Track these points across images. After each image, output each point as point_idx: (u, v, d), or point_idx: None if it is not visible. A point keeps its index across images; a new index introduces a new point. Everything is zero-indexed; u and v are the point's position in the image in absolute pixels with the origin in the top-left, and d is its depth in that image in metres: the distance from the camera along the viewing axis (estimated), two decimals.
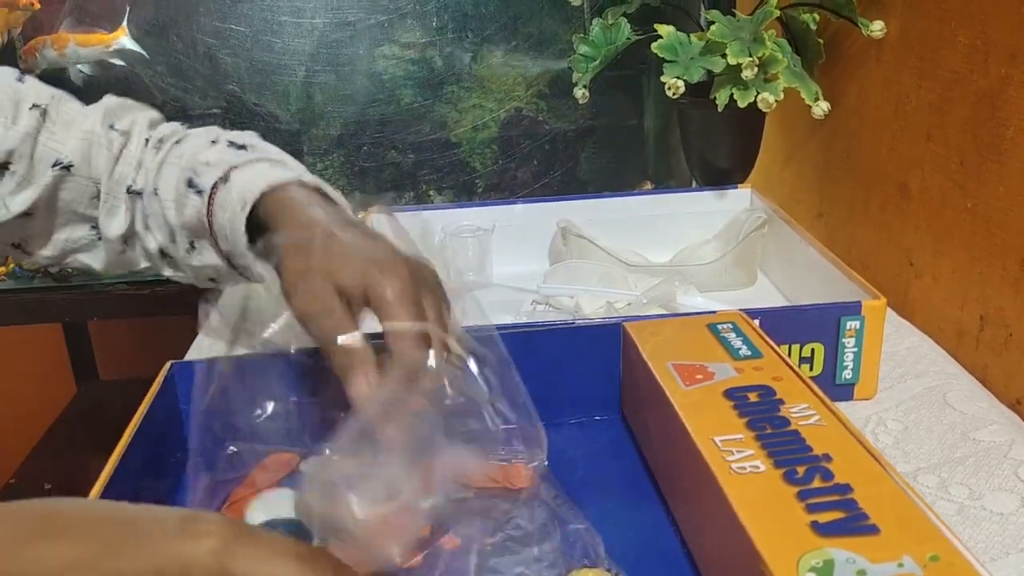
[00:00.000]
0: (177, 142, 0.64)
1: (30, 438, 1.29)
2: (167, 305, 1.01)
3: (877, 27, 0.76)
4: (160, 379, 0.53)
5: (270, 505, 0.51)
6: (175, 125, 0.67)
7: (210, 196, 0.59)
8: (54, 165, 0.62)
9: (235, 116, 1.12)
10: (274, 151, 0.62)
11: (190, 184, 0.60)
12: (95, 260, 0.67)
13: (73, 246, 0.66)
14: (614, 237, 0.84)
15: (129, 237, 0.66)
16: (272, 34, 1.09)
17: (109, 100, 0.66)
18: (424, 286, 0.49)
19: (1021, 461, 0.54)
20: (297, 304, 0.49)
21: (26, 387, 1.54)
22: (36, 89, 0.63)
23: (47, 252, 0.66)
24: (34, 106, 0.61)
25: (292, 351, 0.54)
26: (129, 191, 0.64)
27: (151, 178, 0.63)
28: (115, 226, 0.64)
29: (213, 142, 0.63)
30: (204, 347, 0.74)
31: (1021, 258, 0.62)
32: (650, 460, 0.55)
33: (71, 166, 0.62)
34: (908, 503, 0.38)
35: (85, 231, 0.65)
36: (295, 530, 0.44)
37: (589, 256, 0.81)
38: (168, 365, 0.55)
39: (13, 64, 0.90)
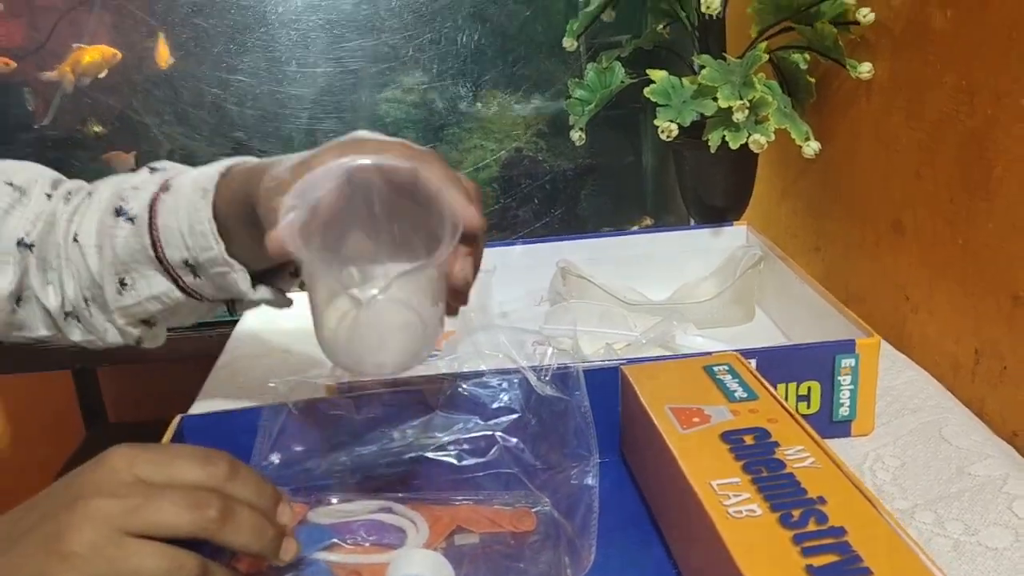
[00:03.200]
0: (89, 194, 0.63)
1: (41, 483, 1.29)
2: (176, 350, 1.03)
3: (865, 69, 0.78)
4: (170, 432, 0.55)
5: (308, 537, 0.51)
6: (80, 181, 0.65)
7: (151, 211, 0.56)
8: None
9: (232, 150, 1.15)
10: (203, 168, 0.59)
11: (118, 212, 0.58)
12: None
13: None
14: (613, 275, 0.86)
15: (19, 295, 0.62)
16: (276, 83, 1.12)
17: (3, 162, 0.64)
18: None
19: (1016, 496, 0.55)
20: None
21: (36, 432, 1.55)
22: None
23: None
24: None
25: (290, 404, 0.55)
26: (20, 244, 0.61)
27: (62, 227, 0.61)
28: (1, 283, 0.61)
29: (123, 181, 0.61)
30: (210, 398, 0.76)
31: (1013, 293, 0.63)
32: (650, 502, 0.56)
33: None
34: (901, 545, 0.39)
35: None
36: None
37: (589, 296, 0.82)
38: (178, 419, 0.56)
39: None
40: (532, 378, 0.56)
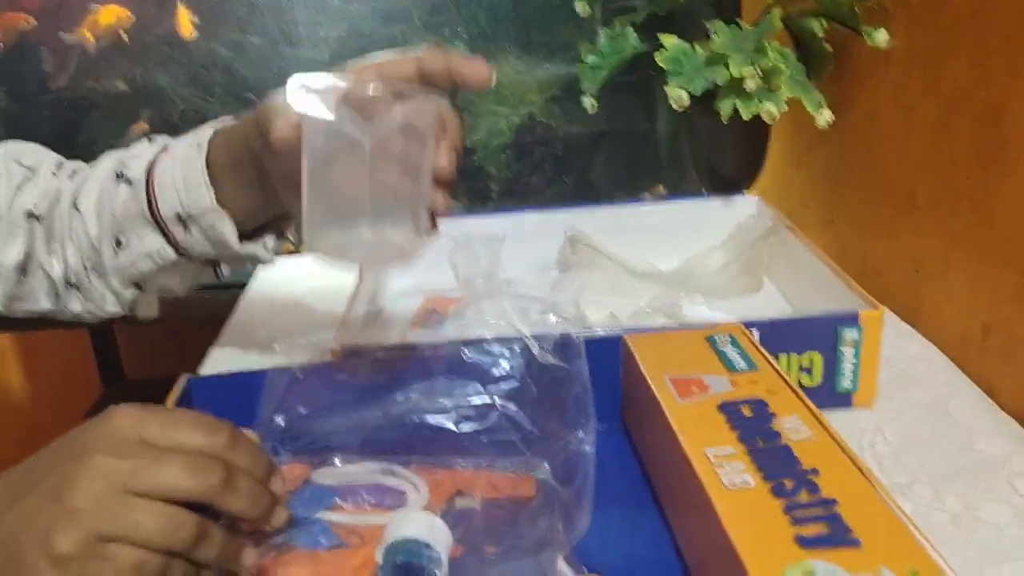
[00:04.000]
0: (93, 164, 0.67)
1: (57, 437, 1.32)
2: (191, 310, 1.04)
3: (881, 36, 0.77)
4: (176, 392, 0.55)
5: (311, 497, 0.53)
6: (81, 163, 0.69)
7: (148, 172, 0.61)
8: None
9: None
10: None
11: (119, 177, 0.62)
12: None
13: None
14: (622, 244, 0.85)
15: (26, 265, 0.66)
16: (288, 44, 1.12)
17: (10, 143, 0.69)
18: None
19: (1018, 472, 0.55)
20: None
21: (52, 389, 1.58)
22: None
23: None
24: None
25: (296, 367, 0.56)
26: (28, 215, 0.66)
27: (67, 199, 0.65)
28: (11, 254, 0.65)
29: (124, 152, 0.66)
30: (220, 357, 0.77)
31: (1023, 270, 0.62)
32: (648, 470, 0.56)
33: None
34: (892, 518, 0.39)
35: None
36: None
37: (597, 265, 0.82)
38: (184, 379, 0.57)
39: None
40: (534, 346, 0.57)
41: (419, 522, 0.46)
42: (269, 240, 0.64)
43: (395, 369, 0.58)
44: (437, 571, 0.44)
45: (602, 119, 1.17)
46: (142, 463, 0.39)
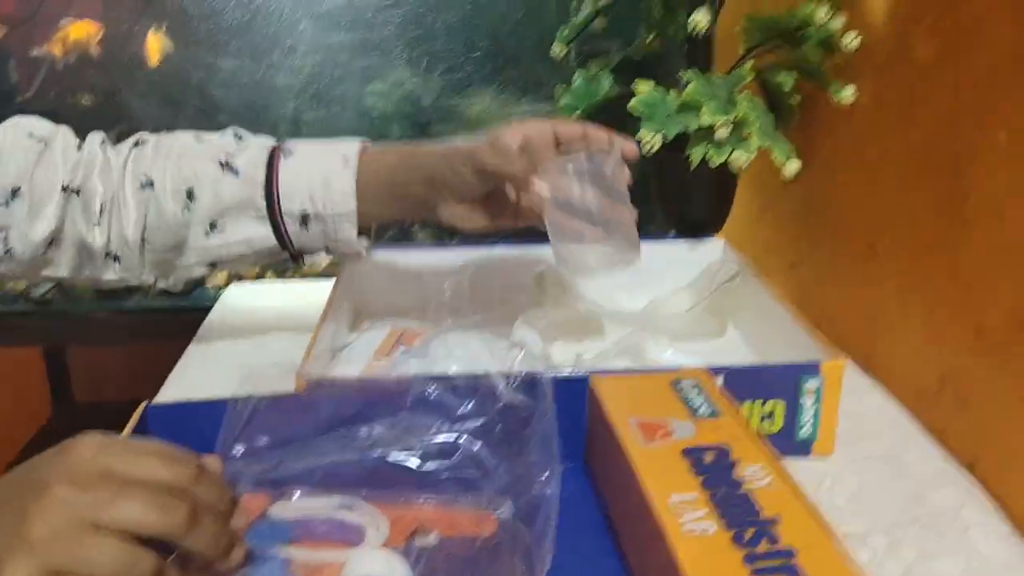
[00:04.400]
0: (136, 143, 0.71)
1: (4, 458, 1.28)
2: (145, 333, 1.02)
3: (848, 93, 0.79)
4: (134, 419, 0.54)
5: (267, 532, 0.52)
6: (102, 134, 0.72)
7: (269, 168, 0.68)
8: None
9: None
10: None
11: (224, 166, 0.69)
12: (8, 269, 0.70)
13: None
14: (590, 284, 0.86)
15: (55, 240, 0.69)
16: (262, 70, 1.12)
17: (19, 117, 0.70)
18: None
19: (970, 524, 0.56)
20: (490, 157, 0.68)
21: (2, 407, 1.54)
22: None
23: None
24: None
25: (257, 397, 0.55)
26: (65, 189, 0.68)
27: (119, 175, 0.69)
28: (39, 228, 0.67)
29: (197, 135, 0.71)
30: (178, 384, 0.76)
31: (979, 324, 0.64)
32: (611, 512, 0.56)
33: None
34: (848, 569, 0.40)
35: None
36: None
37: (564, 302, 0.82)
38: (142, 406, 0.56)
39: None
40: (500, 384, 0.57)
41: (378, 560, 0.45)
42: (364, 238, 0.73)
43: (359, 403, 0.58)
44: None
45: None
46: (105, 496, 0.38)
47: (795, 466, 0.62)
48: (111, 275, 0.72)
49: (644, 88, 0.82)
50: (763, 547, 0.41)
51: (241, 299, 0.90)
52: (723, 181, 0.91)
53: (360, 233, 0.72)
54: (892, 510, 0.58)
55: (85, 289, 1.10)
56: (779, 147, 0.80)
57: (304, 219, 0.69)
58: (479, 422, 0.56)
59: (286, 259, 0.74)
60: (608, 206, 0.71)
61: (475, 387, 0.57)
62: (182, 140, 0.71)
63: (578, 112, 0.89)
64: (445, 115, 1.17)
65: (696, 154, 0.80)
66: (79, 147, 0.70)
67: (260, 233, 0.70)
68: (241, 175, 0.69)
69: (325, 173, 0.69)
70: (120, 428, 0.54)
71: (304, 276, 1.07)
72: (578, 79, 0.89)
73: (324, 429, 0.57)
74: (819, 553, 0.41)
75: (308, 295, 0.93)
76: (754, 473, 0.48)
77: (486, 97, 1.16)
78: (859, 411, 0.70)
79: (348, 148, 0.70)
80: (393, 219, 0.76)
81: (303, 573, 0.48)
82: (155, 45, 1.12)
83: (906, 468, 0.62)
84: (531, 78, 1.16)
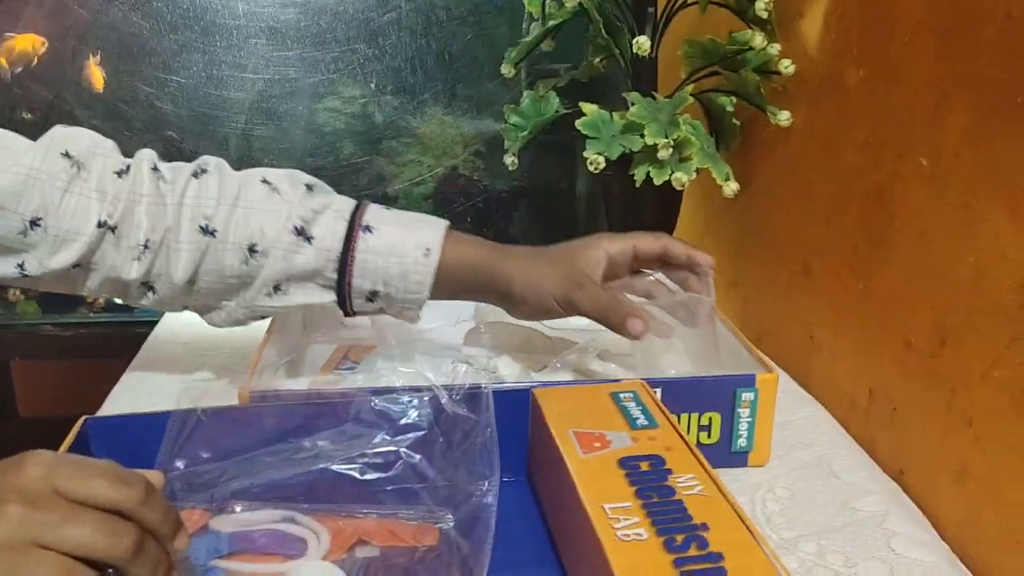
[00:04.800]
0: (195, 174, 0.67)
1: None
2: (90, 348, 1.01)
3: (784, 117, 0.82)
4: (73, 433, 0.54)
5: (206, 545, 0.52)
6: (152, 153, 0.68)
7: (347, 244, 0.66)
8: None
9: (172, 161, 1.13)
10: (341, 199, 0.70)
11: (299, 233, 0.66)
12: (26, 285, 0.67)
13: (2, 280, 0.66)
14: None
15: (82, 266, 0.65)
16: (212, 85, 1.12)
17: (57, 130, 0.66)
18: None
19: (894, 532, 0.58)
20: (585, 303, 0.68)
21: None
22: None
23: None
24: None
25: (200, 410, 0.56)
26: (100, 225, 0.64)
27: (174, 213, 0.65)
28: (62, 259, 0.64)
29: (266, 181, 0.68)
30: (122, 398, 0.75)
31: (905, 339, 0.67)
32: (551, 524, 0.57)
33: None
34: (773, 572, 0.41)
35: (10, 267, 0.64)
36: None
37: (509, 318, 0.83)
38: (81, 420, 0.56)
39: None
40: (442, 396, 0.58)
41: (317, 571, 0.46)
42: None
43: (303, 416, 0.58)
44: None
45: (523, 176, 1.21)
46: (55, 517, 0.38)
47: (731, 475, 0.64)
48: (144, 302, 0.69)
49: (589, 109, 0.84)
50: (693, 551, 0.43)
51: (187, 314, 0.90)
52: (667, 200, 0.93)
53: None
54: (821, 518, 0.60)
55: (28, 305, 1.08)
56: (718, 169, 0.83)
57: (373, 296, 0.68)
58: (421, 434, 0.57)
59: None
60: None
61: (418, 399, 0.58)
62: (253, 190, 0.67)
63: (526, 132, 0.91)
64: (397, 132, 1.18)
65: (640, 173, 0.82)
66: (123, 172, 0.66)
67: (323, 300, 0.68)
68: (315, 244, 0.66)
69: (404, 262, 0.67)
70: (62, 443, 0.54)
71: None
72: (526, 99, 0.91)
73: (267, 442, 0.57)
74: (746, 558, 0.42)
75: None
76: (687, 482, 0.49)
77: (438, 114, 1.18)
78: (794, 422, 0.73)
79: (432, 236, 0.67)
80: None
81: None
82: (97, 74, 1.11)
83: (836, 477, 0.65)
84: (482, 97, 1.18)
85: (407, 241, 0.67)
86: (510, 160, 0.92)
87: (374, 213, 0.68)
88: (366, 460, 0.56)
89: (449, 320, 0.89)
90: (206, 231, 0.65)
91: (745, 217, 0.96)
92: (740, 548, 0.43)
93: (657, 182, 0.81)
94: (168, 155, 1.06)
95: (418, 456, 0.55)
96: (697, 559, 0.42)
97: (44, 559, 0.38)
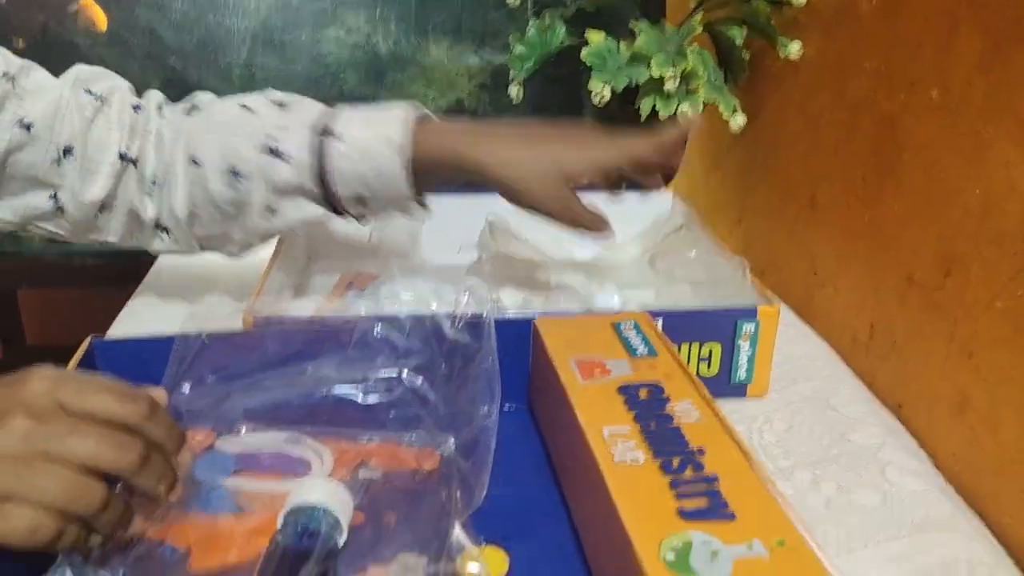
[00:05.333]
0: (189, 110, 0.68)
1: None
2: (97, 276, 1.01)
3: (794, 48, 0.80)
4: (80, 354, 0.55)
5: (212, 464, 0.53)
6: (158, 93, 0.70)
7: (320, 156, 0.65)
8: (15, 125, 0.62)
9: (174, 91, 1.12)
10: (315, 103, 0.69)
11: (273, 152, 0.65)
12: (60, 228, 0.69)
13: (33, 213, 0.67)
14: (541, 232, 0.87)
15: (107, 205, 0.67)
16: (216, 12, 1.10)
17: (80, 68, 0.67)
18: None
19: (889, 461, 0.59)
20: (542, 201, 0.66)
21: None
22: (5, 57, 0.63)
23: (6, 216, 0.66)
24: (4, 75, 0.62)
25: (204, 334, 0.56)
26: (123, 158, 0.66)
27: (169, 147, 0.67)
28: (92, 192, 0.66)
29: (243, 106, 0.67)
30: (128, 323, 0.76)
31: (908, 273, 0.67)
32: (550, 449, 0.58)
33: (31, 126, 0.63)
34: (766, 495, 0.42)
35: (44, 200, 0.66)
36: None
37: (514, 250, 0.84)
38: (88, 340, 0.56)
39: None
40: (445, 324, 0.58)
41: (321, 489, 0.47)
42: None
43: (306, 341, 0.58)
44: (337, 537, 0.45)
45: (528, 109, 1.19)
46: (61, 430, 0.39)
47: (730, 406, 0.65)
48: (160, 245, 0.71)
49: (595, 39, 0.82)
50: (688, 474, 0.43)
51: None
52: None
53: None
54: (817, 448, 0.60)
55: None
56: (725, 101, 0.82)
57: (361, 200, 0.67)
58: (423, 360, 0.57)
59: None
60: None
61: (421, 326, 0.58)
62: (230, 115, 0.68)
63: (531, 63, 0.89)
64: (402, 64, 1.16)
65: (645, 105, 0.81)
66: (137, 108, 0.68)
67: (318, 212, 0.68)
68: (288, 160, 0.65)
69: (377, 164, 0.65)
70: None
71: None
72: (532, 29, 0.89)
73: (271, 367, 0.57)
74: (741, 480, 0.43)
75: None
76: (685, 409, 0.50)
77: (442, 45, 1.16)
78: (794, 355, 0.73)
79: (399, 130, 0.65)
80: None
81: (247, 502, 0.50)
82: (98, 9, 1.09)
83: (834, 410, 0.65)
84: (487, 27, 1.16)
85: (375, 141, 0.65)
86: (515, 91, 0.91)
87: (341, 117, 0.67)
88: (368, 385, 0.57)
89: (453, 249, 0.89)
90: (194, 162, 0.66)
91: (752, 151, 0.95)
92: (734, 471, 0.44)
93: (663, 115, 0.80)
94: (170, 84, 1.05)
95: (420, 380, 0.56)
96: (693, 481, 0.43)
97: (50, 471, 0.38)
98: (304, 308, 0.74)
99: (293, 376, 0.57)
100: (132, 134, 0.67)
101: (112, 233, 0.69)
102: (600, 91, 0.81)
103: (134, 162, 0.66)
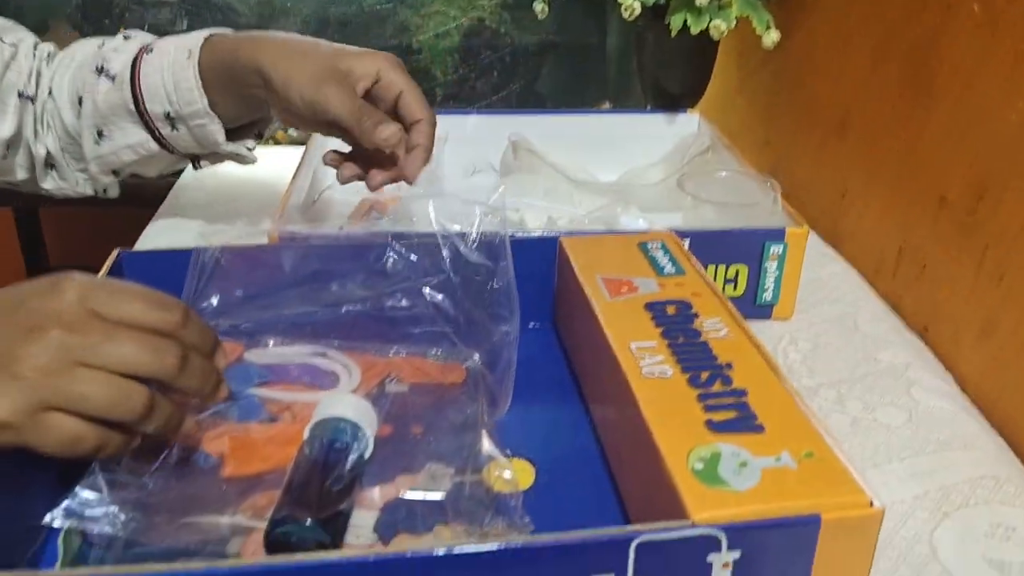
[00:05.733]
0: (64, 55, 0.71)
1: None
2: (121, 195, 1.01)
3: None
4: (107, 267, 0.55)
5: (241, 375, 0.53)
6: (52, 45, 0.73)
7: (133, 69, 0.66)
8: None
9: (191, 6, 1.10)
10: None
11: (100, 71, 0.66)
12: None
13: None
14: (564, 154, 0.86)
15: (13, 143, 0.70)
16: None
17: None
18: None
19: (915, 381, 0.59)
20: (337, 103, 0.60)
21: None
22: None
23: None
24: None
25: (226, 248, 0.56)
26: (20, 96, 0.69)
27: (44, 85, 0.70)
28: (3, 128, 0.68)
29: (100, 45, 0.70)
30: (151, 242, 0.76)
31: (939, 196, 0.65)
32: (576, 367, 0.59)
33: None
34: (794, 408, 0.42)
35: None
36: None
37: (537, 171, 0.83)
38: (115, 253, 0.56)
39: None
40: (465, 243, 0.57)
41: (348, 403, 0.47)
42: (250, 141, 0.71)
43: (330, 257, 0.58)
44: (363, 450, 0.46)
45: (552, 29, 1.17)
46: (95, 338, 0.39)
47: (755, 327, 0.64)
48: (50, 184, 0.73)
49: None
50: (717, 387, 0.43)
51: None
52: (702, 54, 0.90)
53: (241, 130, 0.70)
54: (842, 368, 0.60)
55: None
56: (759, 16, 0.79)
57: (170, 120, 0.66)
58: (443, 279, 0.57)
59: (186, 162, 0.73)
60: None
61: (440, 246, 0.58)
62: (85, 48, 0.70)
63: None
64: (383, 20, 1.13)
65: (676, 21, 0.78)
66: (35, 48, 0.71)
67: (141, 137, 0.68)
68: (116, 80, 0.66)
69: (175, 72, 0.64)
70: None
71: (277, 143, 1.06)
72: None
73: (294, 283, 0.58)
74: (770, 394, 0.43)
75: (281, 162, 0.92)
76: (713, 325, 0.49)
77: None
78: (820, 279, 0.72)
79: (195, 38, 0.65)
80: (253, 119, 0.70)
81: (277, 411, 0.50)
82: None
83: (860, 331, 0.65)
84: None
85: (177, 54, 0.65)
86: (540, 7, 0.89)
87: (167, 38, 0.67)
88: (392, 301, 0.57)
89: (478, 172, 0.88)
90: (51, 95, 0.69)
91: (782, 72, 0.93)
92: (763, 385, 0.44)
93: (694, 31, 0.78)
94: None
95: (440, 296, 0.56)
96: (721, 394, 0.43)
97: (92, 377, 0.38)
98: (327, 227, 0.74)
99: (318, 292, 0.57)
100: (30, 76, 0.69)
101: (18, 172, 0.72)
102: (630, 5, 0.79)
103: (31, 99, 0.69)
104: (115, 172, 0.71)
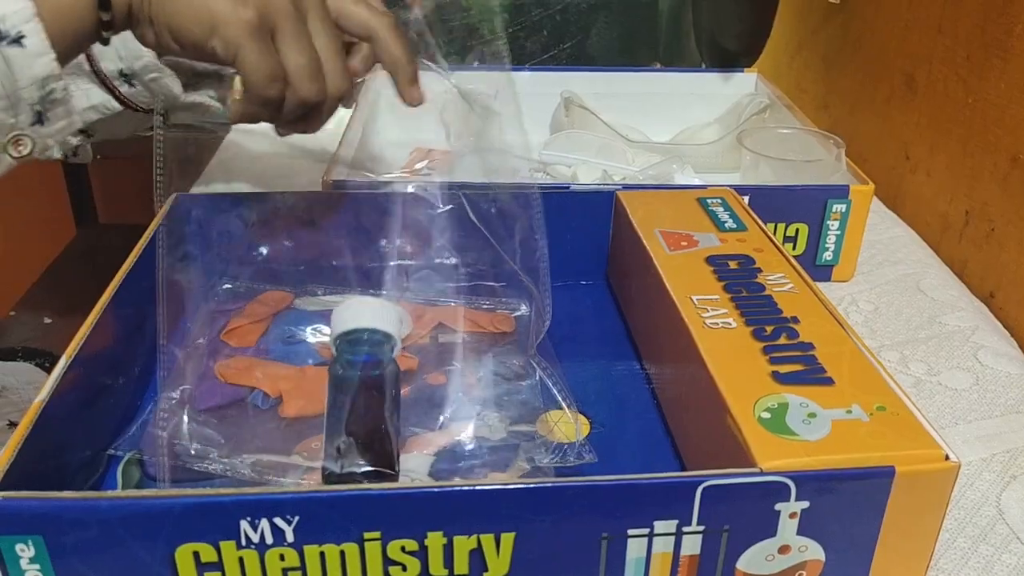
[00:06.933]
0: None
1: (31, 274, 1.31)
2: (170, 151, 1.01)
3: None
4: (164, 209, 0.55)
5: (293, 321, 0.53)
6: None
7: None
8: None
9: None
10: None
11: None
12: None
13: None
14: (617, 112, 0.85)
15: None
16: None
17: None
18: None
19: (982, 345, 0.57)
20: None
21: (27, 226, 1.56)
22: None
23: None
24: None
25: (281, 194, 0.56)
26: None
27: None
28: None
29: None
30: (205, 190, 0.76)
31: (1012, 155, 0.63)
32: (631, 322, 0.57)
33: None
34: (865, 362, 0.41)
35: None
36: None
37: (590, 128, 0.81)
38: (173, 196, 0.56)
39: None
40: (506, 198, 0.56)
41: (365, 310, 0.42)
42: (213, 91, 0.68)
43: (380, 208, 0.58)
44: (390, 354, 0.42)
45: None
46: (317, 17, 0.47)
47: None
48: (24, 150, 0.70)
49: None
50: (783, 340, 0.42)
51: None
52: (760, 12, 0.87)
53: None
54: (906, 330, 0.59)
55: None
56: None
57: (125, 77, 0.64)
58: (491, 231, 0.56)
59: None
60: None
61: (488, 198, 0.57)
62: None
63: None
64: None
65: None
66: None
67: (101, 98, 0.66)
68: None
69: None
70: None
71: None
72: None
73: (346, 232, 0.57)
74: (837, 348, 0.42)
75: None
76: (777, 280, 0.48)
77: None
78: (882, 241, 0.70)
79: None
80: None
81: (328, 355, 0.50)
82: None
83: (923, 294, 0.63)
84: None
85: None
86: None
87: None
88: (439, 257, 0.57)
89: (528, 127, 0.87)
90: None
91: (846, 28, 0.90)
92: (830, 339, 0.43)
93: None
94: None
95: (486, 250, 0.55)
96: (787, 347, 0.42)
97: (324, 31, 0.47)
98: (378, 178, 0.73)
99: (367, 242, 0.57)
100: None
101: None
102: None
103: None
104: (84, 132, 0.67)
